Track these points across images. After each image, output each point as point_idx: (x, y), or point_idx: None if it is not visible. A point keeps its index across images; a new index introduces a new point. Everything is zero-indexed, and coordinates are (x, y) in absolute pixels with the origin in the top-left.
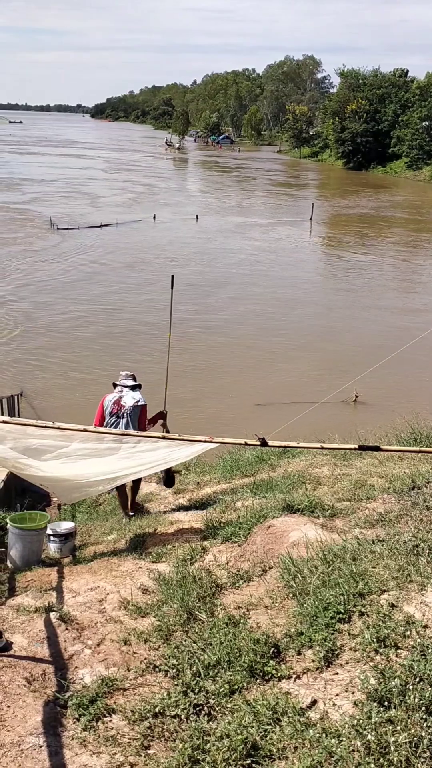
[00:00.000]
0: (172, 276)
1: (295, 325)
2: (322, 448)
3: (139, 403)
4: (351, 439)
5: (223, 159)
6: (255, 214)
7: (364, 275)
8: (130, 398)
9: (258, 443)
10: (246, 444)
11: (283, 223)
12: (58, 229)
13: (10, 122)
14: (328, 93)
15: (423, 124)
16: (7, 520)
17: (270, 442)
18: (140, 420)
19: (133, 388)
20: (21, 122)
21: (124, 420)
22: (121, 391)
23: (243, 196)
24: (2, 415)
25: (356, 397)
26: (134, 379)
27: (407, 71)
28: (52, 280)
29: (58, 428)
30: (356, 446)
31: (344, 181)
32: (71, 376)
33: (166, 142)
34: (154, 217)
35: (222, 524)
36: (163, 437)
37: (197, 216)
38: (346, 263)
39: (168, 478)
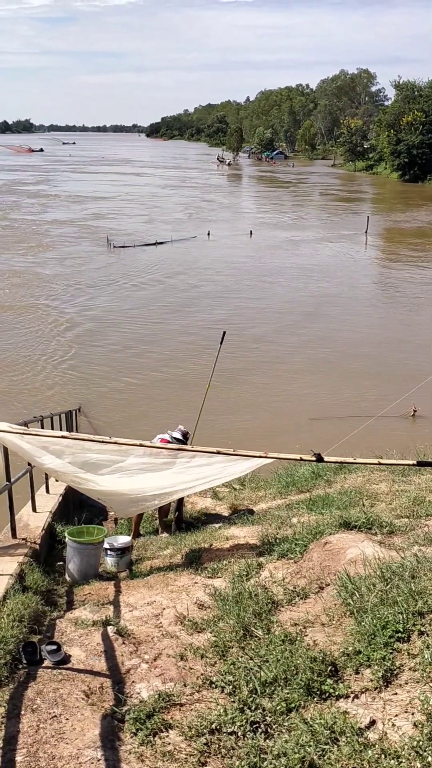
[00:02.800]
0: (224, 332)
1: (351, 337)
2: (380, 464)
3: (160, 437)
4: (409, 455)
5: (276, 174)
6: (309, 228)
7: (421, 288)
8: (159, 435)
9: (314, 459)
10: (302, 459)
11: (338, 237)
12: (114, 247)
13: (63, 143)
14: (383, 106)
15: None
16: (66, 534)
17: (326, 458)
18: None
19: (175, 439)
20: (74, 143)
21: None
22: (170, 441)
23: (297, 211)
24: (61, 430)
25: (414, 411)
26: (185, 436)
27: None
28: (107, 299)
29: (115, 443)
30: (415, 462)
31: (400, 193)
32: (126, 392)
33: (217, 158)
34: (209, 234)
35: (278, 540)
36: (218, 452)
37: (251, 232)
38: (401, 276)
39: (176, 524)
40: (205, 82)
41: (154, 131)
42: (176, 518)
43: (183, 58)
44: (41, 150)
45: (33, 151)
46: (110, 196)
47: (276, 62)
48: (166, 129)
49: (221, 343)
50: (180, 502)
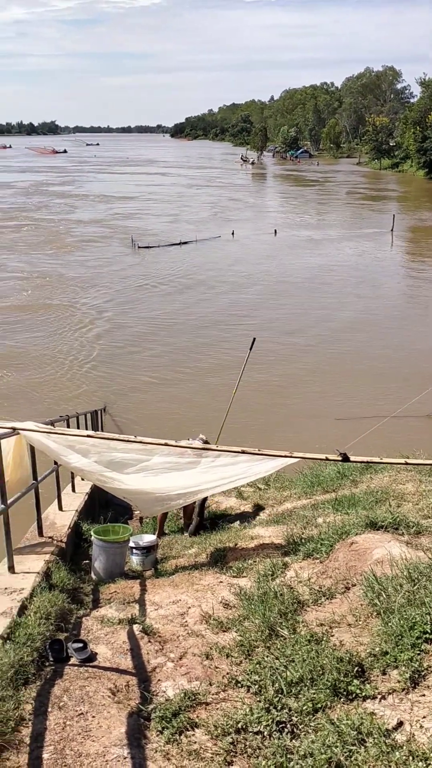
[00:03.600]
0: (254, 339)
1: (378, 337)
2: (407, 463)
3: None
4: None
5: (301, 173)
6: (334, 227)
7: None
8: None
9: (340, 458)
10: (327, 459)
11: (363, 235)
12: (139, 247)
13: (87, 144)
14: (409, 103)
15: None
16: (92, 533)
17: (352, 458)
18: None
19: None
20: (98, 144)
21: None
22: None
23: (322, 210)
24: (87, 429)
25: None
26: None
27: None
28: (131, 300)
29: (141, 442)
30: None
31: (426, 191)
32: (150, 392)
33: (241, 158)
34: (233, 233)
35: (303, 540)
36: (243, 452)
37: (276, 230)
38: (429, 275)
39: (198, 527)
40: (230, 82)
41: (179, 131)
42: (199, 518)
43: (207, 59)
44: (65, 151)
45: (57, 152)
46: (135, 196)
47: (301, 61)
48: (191, 129)
49: (250, 349)
50: (203, 501)
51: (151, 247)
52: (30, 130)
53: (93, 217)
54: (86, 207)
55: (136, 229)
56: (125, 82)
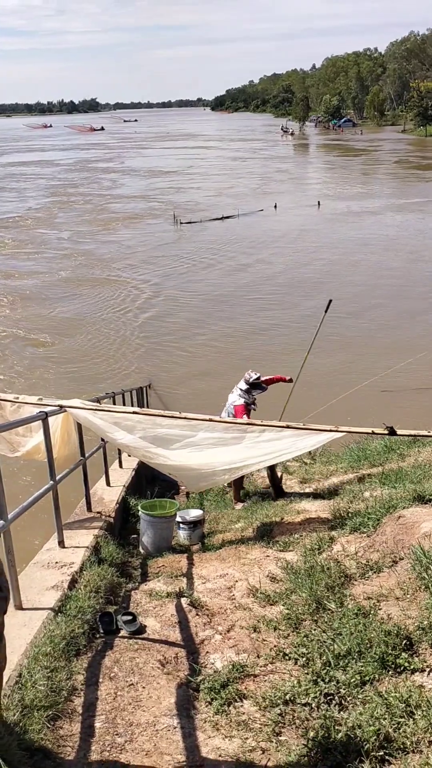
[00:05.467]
0: (330, 300)
1: (423, 307)
2: None
3: (233, 404)
4: None
5: (344, 142)
6: (379, 196)
7: None
8: (231, 398)
9: (386, 432)
10: (374, 433)
11: (411, 204)
12: (181, 223)
13: (125, 121)
14: None
15: None
16: (139, 508)
17: (399, 431)
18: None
19: (244, 390)
20: (136, 120)
21: (223, 412)
22: (234, 390)
23: (366, 179)
24: (132, 406)
25: None
26: (246, 381)
27: None
28: (175, 276)
29: (185, 418)
30: None
31: None
32: (196, 367)
33: (282, 128)
34: (275, 206)
35: (350, 514)
36: (287, 426)
37: (319, 202)
38: None
39: (277, 491)
40: (271, 52)
41: (219, 104)
42: (275, 486)
43: (250, 29)
44: (102, 129)
45: (95, 129)
46: (176, 170)
47: (343, 27)
48: (231, 101)
49: (326, 311)
50: (272, 470)
51: (193, 222)
52: (71, 108)
53: (136, 193)
54: (129, 182)
55: (178, 204)
56: (167, 56)
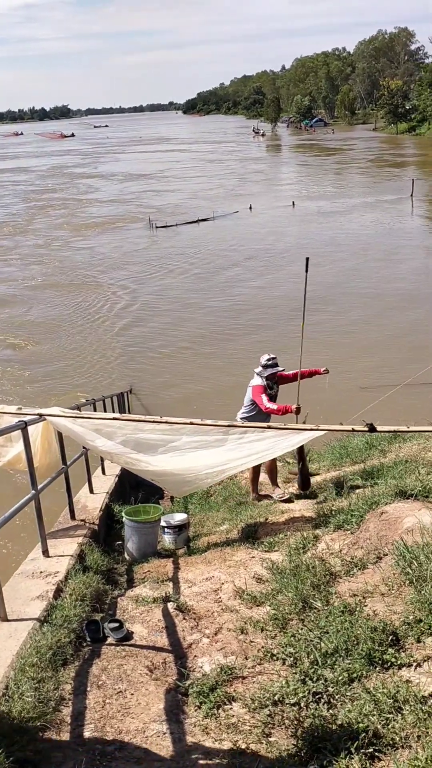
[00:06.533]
0: (307, 258)
1: (399, 305)
2: None
3: (251, 384)
4: None
5: (317, 142)
6: (352, 196)
7: None
8: (250, 382)
9: (366, 429)
10: (354, 431)
11: (383, 201)
12: (157, 227)
13: (95, 127)
14: (424, 64)
15: None
16: (123, 514)
17: (379, 428)
18: (254, 400)
19: (258, 372)
20: (107, 126)
21: (245, 398)
22: (262, 383)
23: (339, 178)
24: (113, 411)
25: None
26: (261, 364)
27: None
28: (152, 280)
29: (166, 422)
30: None
31: None
32: (177, 371)
33: (253, 130)
34: (251, 207)
35: (333, 512)
36: (269, 427)
37: (294, 202)
38: None
39: (304, 480)
40: (240, 54)
41: (191, 107)
42: (302, 472)
43: (218, 31)
44: (72, 135)
45: (65, 136)
46: (150, 174)
47: (311, 28)
48: (203, 104)
49: (306, 271)
50: (302, 454)
51: (168, 225)
52: (42, 115)
53: (111, 197)
54: (104, 187)
55: (153, 208)
56: (136, 61)
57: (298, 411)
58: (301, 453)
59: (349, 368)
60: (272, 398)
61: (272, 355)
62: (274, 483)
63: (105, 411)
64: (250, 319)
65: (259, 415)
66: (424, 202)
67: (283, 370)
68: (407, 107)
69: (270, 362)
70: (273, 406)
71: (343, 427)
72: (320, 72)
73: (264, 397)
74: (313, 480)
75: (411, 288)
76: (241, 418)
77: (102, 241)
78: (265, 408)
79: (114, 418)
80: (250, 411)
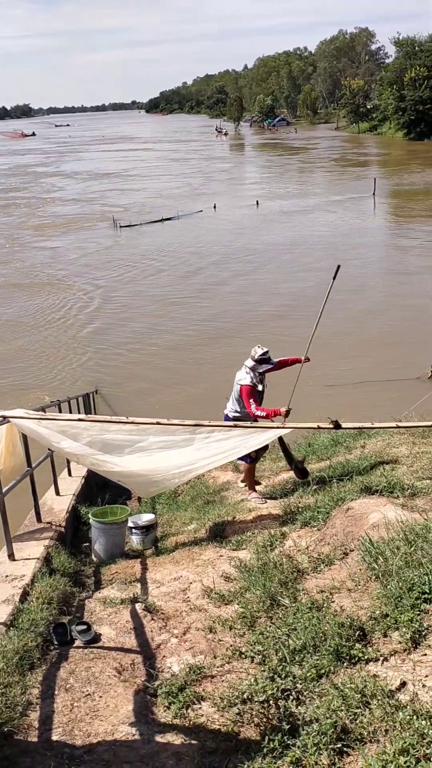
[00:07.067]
0: (338, 266)
1: (363, 303)
2: (398, 427)
3: (239, 382)
4: (428, 416)
5: (280, 141)
6: (315, 195)
7: None
8: (238, 375)
9: (331, 426)
10: (319, 428)
11: (346, 200)
12: (121, 227)
13: (56, 126)
14: (384, 64)
15: None
16: (90, 515)
17: (344, 425)
18: (242, 399)
19: (251, 368)
20: (68, 125)
21: (231, 395)
22: (241, 369)
23: (303, 177)
24: (79, 413)
25: (431, 373)
26: (252, 358)
27: None
28: (117, 280)
29: (132, 422)
30: None
31: (406, 152)
32: (143, 372)
33: (216, 129)
34: (215, 206)
35: (300, 509)
36: (235, 426)
37: (257, 202)
38: (414, 237)
39: (301, 471)
40: (203, 53)
41: (154, 107)
42: (293, 464)
43: (179, 30)
44: (33, 134)
45: (26, 135)
46: (113, 173)
47: (273, 27)
48: (166, 103)
49: (334, 278)
50: (287, 451)
51: (132, 225)
52: (3, 114)
53: (75, 196)
54: (68, 186)
55: (117, 207)
56: (98, 60)
57: (287, 414)
58: (284, 448)
59: (314, 367)
60: (261, 395)
61: (265, 349)
62: (251, 487)
63: (70, 412)
64: (216, 321)
65: (249, 415)
66: (386, 200)
67: (274, 365)
68: (368, 107)
69: (264, 356)
70: (262, 413)
71: (308, 425)
72: (282, 71)
73: (252, 403)
74: (280, 477)
75: (372, 287)
76: (232, 417)
77: (66, 241)
78: (253, 415)
79: (79, 419)
80: (241, 410)
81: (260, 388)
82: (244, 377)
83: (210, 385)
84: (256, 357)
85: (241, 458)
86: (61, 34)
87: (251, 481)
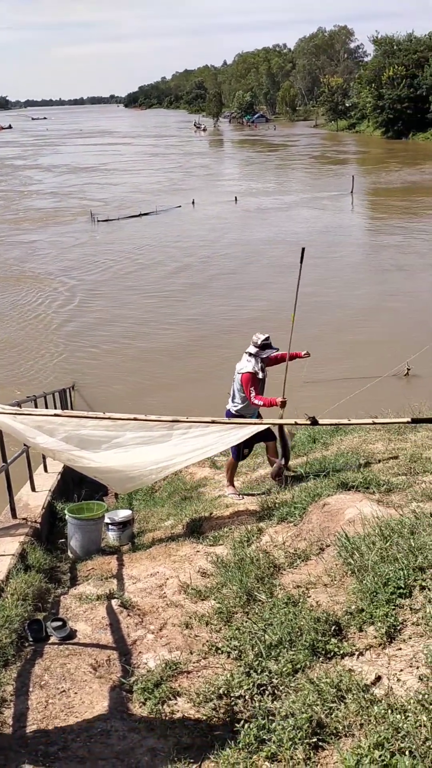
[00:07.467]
0: (303, 248)
1: (340, 301)
2: (374, 423)
3: (240, 371)
4: (404, 413)
5: (259, 138)
6: (294, 192)
7: (412, 250)
8: (238, 365)
9: (308, 422)
10: (297, 424)
11: (324, 198)
12: (98, 221)
13: (33, 119)
14: (363, 62)
15: None
16: (66, 511)
17: (321, 421)
18: (243, 388)
19: (251, 354)
20: (45, 118)
21: (232, 388)
22: (242, 357)
23: (281, 174)
24: (55, 408)
25: (408, 370)
26: (254, 344)
27: None
28: (94, 275)
29: (109, 418)
30: (409, 419)
31: (384, 150)
32: (121, 367)
33: (195, 125)
34: (193, 202)
35: (277, 505)
36: (213, 422)
37: (236, 197)
38: (391, 237)
39: (282, 472)
40: (182, 48)
41: (132, 101)
42: (283, 459)
43: (159, 25)
44: (10, 126)
45: (2, 128)
46: (92, 167)
47: (253, 23)
48: (144, 98)
49: (301, 261)
50: (285, 442)
51: (110, 219)
52: None
53: (53, 190)
54: (46, 179)
55: (96, 201)
56: (77, 53)
57: (283, 404)
58: (284, 443)
59: (291, 363)
60: (262, 384)
61: (267, 334)
62: (230, 481)
63: (47, 407)
64: (193, 317)
65: (250, 407)
66: (364, 198)
67: (276, 351)
68: (347, 105)
69: (267, 341)
70: (260, 402)
71: (286, 421)
72: (261, 68)
73: (252, 391)
74: (257, 473)
75: (350, 286)
76: (235, 410)
77: (43, 235)
78: (252, 402)
79: (56, 415)
80: (242, 402)
81: (261, 376)
82: (245, 365)
83: (187, 379)
84: (258, 342)
85: (231, 453)
86: (41, 27)
87: (231, 477)
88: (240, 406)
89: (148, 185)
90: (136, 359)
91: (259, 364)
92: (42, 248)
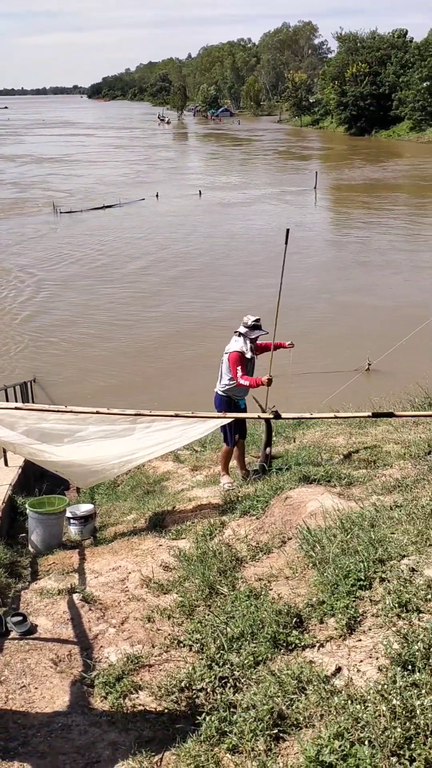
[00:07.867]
0: (287, 230)
1: (302, 297)
2: (336, 417)
3: (228, 350)
4: (365, 407)
5: (223, 132)
6: (258, 186)
7: (372, 245)
8: (228, 347)
9: (272, 416)
10: (260, 417)
11: (288, 193)
12: (61, 213)
13: None
14: (327, 58)
15: (424, 84)
16: (27, 506)
17: (283, 415)
18: (230, 368)
19: (240, 333)
20: (6, 107)
21: (221, 366)
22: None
23: (245, 169)
24: (15, 401)
25: (369, 365)
26: (244, 324)
27: (406, 31)
28: (56, 269)
29: (71, 411)
30: (370, 414)
31: (347, 147)
32: (83, 360)
33: (159, 117)
34: (157, 195)
35: (240, 498)
36: (176, 415)
37: (200, 191)
38: (353, 232)
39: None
40: (147, 40)
41: (96, 92)
42: (267, 453)
43: (124, 15)
44: None
45: None
46: (56, 158)
47: (218, 17)
48: (108, 89)
49: (286, 242)
50: (269, 435)
51: (74, 212)
52: None
53: (14, 180)
54: (7, 169)
55: (59, 192)
56: (39, 42)
57: (269, 383)
58: (269, 434)
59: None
60: (251, 365)
61: (257, 316)
62: (225, 470)
63: (7, 401)
64: (158, 312)
65: (237, 388)
66: (327, 194)
67: (266, 333)
68: (311, 101)
69: (257, 323)
70: (245, 382)
71: (249, 415)
72: (226, 62)
73: (239, 371)
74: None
75: (311, 281)
76: (222, 391)
77: (3, 227)
78: (238, 381)
79: (16, 408)
80: (230, 383)
81: (249, 356)
82: (233, 345)
83: (149, 371)
84: (248, 323)
85: (224, 440)
86: (5, 17)
87: (225, 465)
88: (227, 387)
89: (112, 177)
90: (97, 351)
91: (248, 344)
92: (2, 239)
